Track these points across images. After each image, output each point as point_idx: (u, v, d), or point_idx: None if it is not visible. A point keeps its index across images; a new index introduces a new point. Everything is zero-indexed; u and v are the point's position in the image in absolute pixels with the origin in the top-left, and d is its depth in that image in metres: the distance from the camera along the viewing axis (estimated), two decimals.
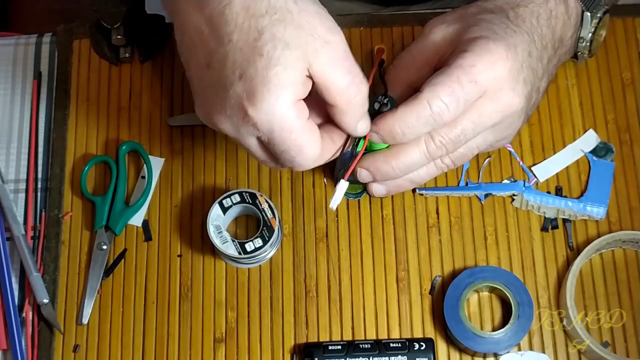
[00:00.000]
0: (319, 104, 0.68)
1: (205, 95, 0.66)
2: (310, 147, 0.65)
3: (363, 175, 0.75)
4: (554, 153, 0.85)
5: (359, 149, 0.71)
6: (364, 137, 0.71)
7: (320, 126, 0.68)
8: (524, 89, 0.71)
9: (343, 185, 0.71)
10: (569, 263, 0.81)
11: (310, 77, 0.63)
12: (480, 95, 0.70)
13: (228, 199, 0.80)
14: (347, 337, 0.80)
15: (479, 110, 0.70)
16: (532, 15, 0.74)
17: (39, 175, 0.86)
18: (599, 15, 0.79)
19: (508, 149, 0.84)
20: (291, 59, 0.62)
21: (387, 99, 0.71)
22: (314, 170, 0.84)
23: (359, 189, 0.82)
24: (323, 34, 0.63)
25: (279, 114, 0.62)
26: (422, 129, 0.69)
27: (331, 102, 0.66)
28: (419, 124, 0.69)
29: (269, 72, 0.61)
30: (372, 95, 0.72)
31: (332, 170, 0.84)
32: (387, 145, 0.73)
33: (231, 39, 0.63)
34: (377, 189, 0.77)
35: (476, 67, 0.68)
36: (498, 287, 0.78)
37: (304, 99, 0.65)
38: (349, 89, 0.65)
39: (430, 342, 0.78)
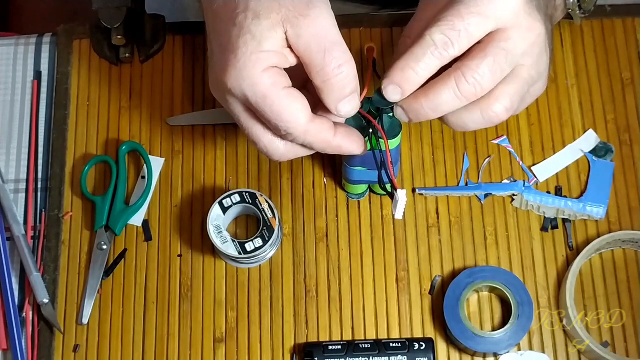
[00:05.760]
0: None
1: (209, 68, 0.69)
2: (289, 113, 0.64)
3: (389, 91, 0.68)
4: (554, 153, 0.85)
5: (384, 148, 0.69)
6: (376, 136, 0.69)
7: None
8: (540, 14, 0.69)
9: (402, 194, 0.67)
10: (568, 263, 0.81)
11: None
12: (493, 27, 0.67)
13: (228, 199, 0.80)
14: (347, 337, 0.80)
15: (502, 39, 0.67)
16: None
17: (39, 175, 0.86)
18: None
19: (508, 149, 0.85)
20: (260, 28, 0.63)
21: None
22: (314, 170, 0.84)
23: (362, 189, 0.82)
24: (299, 8, 0.63)
25: (249, 80, 0.63)
26: (431, 62, 0.66)
27: (311, 78, 0.65)
28: (426, 57, 0.66)
29: (239, 41, 0.63)
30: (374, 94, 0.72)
31: (332, 169, 0.84)
32: (399, 141, 0.73)
33: (218, 12, 0.66)
34: (400, 114, 0.71)
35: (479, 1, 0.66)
36: (498, 287, 0.78)
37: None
38: (326, 68, 0.64)
39: (430, 342, 0.78)
